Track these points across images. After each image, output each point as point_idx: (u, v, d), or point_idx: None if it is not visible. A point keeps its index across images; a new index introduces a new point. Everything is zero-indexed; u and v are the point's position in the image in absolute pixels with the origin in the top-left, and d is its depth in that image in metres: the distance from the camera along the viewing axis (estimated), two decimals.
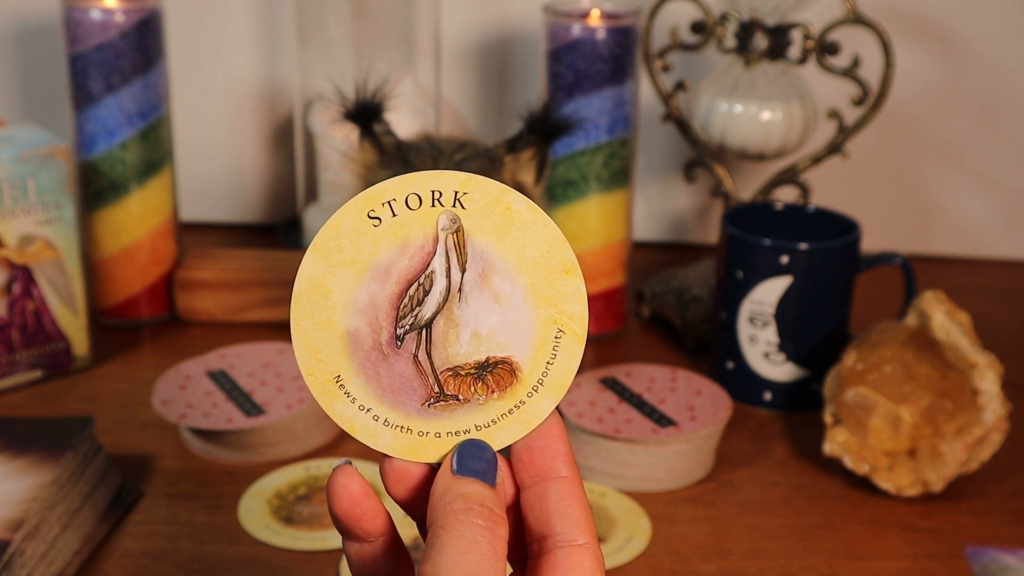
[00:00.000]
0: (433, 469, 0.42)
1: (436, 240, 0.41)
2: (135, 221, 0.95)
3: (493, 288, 0.41)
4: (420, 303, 0.41)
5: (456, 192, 0.41)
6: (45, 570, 0.65)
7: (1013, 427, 0.82)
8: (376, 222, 0.41)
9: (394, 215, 0.41)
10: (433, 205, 0.41)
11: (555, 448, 0.42)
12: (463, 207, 0.41)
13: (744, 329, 0.87)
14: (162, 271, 0.98)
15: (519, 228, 0.41)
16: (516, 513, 0.42)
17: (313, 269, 0.41)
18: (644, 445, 0.76)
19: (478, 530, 0.38)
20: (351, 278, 0.41)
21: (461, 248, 0.41)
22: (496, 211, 0.41)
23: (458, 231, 0.41)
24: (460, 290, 0.41)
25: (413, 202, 0.41)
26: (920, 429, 0.76)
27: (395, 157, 0.78)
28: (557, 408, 0.43)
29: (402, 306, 0.41)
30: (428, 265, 0.41)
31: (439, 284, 0.41)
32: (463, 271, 0.41)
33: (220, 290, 0.97)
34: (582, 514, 0.41)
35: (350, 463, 0.41)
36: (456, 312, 0.41)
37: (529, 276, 0.41)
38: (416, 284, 0.41)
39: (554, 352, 0.42)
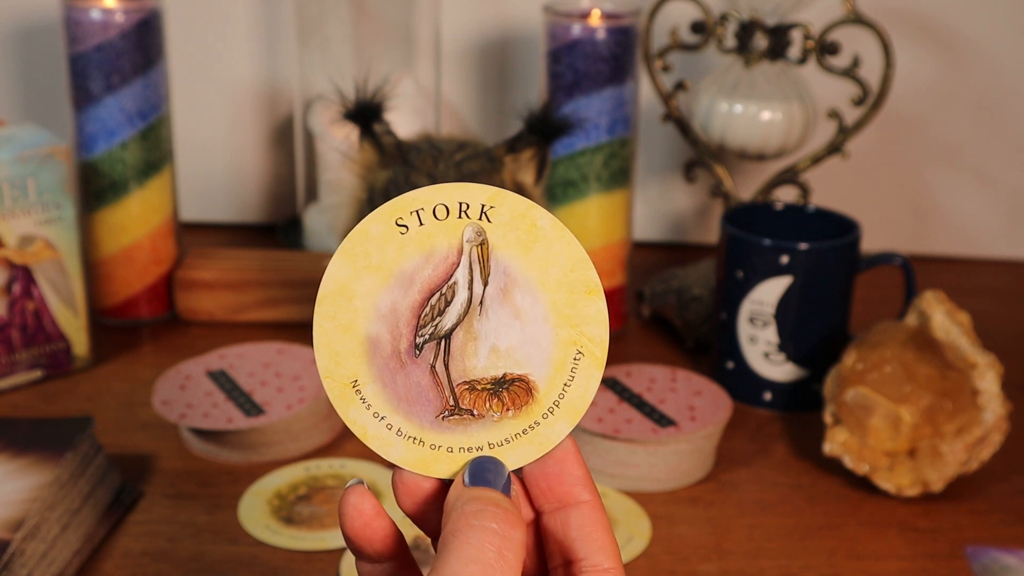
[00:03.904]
0: (444, 484, 0.42)
1: (461, 251, 0.41)
2: (135, 221, 0.95)
3: (514, 304, 0.41)
4: (441, 313, 0.41)
5: (483, 205, 0.41)
6: (45, 570, 0.65)
7: (1013, 427, 0.82)
8: (403, 230, 0.41)
9: (421, 224, 0.41)
10: (460, 217, 0.41)
11: (572, 474, 0.42)
12: (489, 220, 0.41)
13: (744, 329, 0.87)
14: (162, 271, 0.98)
15: (544, 245, 0.41)
16: (536, 537, 0.42)
17: (339, 272, 0.41)
18: (644, 445, 0.76)
19: (488, 536, 0.38)
20: (375, 283, 0.41)
21: (485, 261, 0.41)
22: (521, 227, 0.41)
23: (483, 244, 0.41)
24: (481, 303, 0.41)
25: (440, 212, 0.41)
26: (920, 429, 0.76)
27: (395, 157, 0.78)
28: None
29: (423, 315, 0.41)
30: (451, 276, 0.41)
31: (461, 296, 0.41)
32: (485, 284, 0.41)
33: (220, 290, 0.97)
34: (607, 538, 0.41)
35: (362, 482, 0.41)
36: (476, 325, 0.41)
37: (551, 294, 0.41)
38: (438, 294, 0.41)
39: (572, 374, 0.42)
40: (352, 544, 0.41)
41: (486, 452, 0.42)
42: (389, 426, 0.41)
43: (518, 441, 0.42)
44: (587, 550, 0.41)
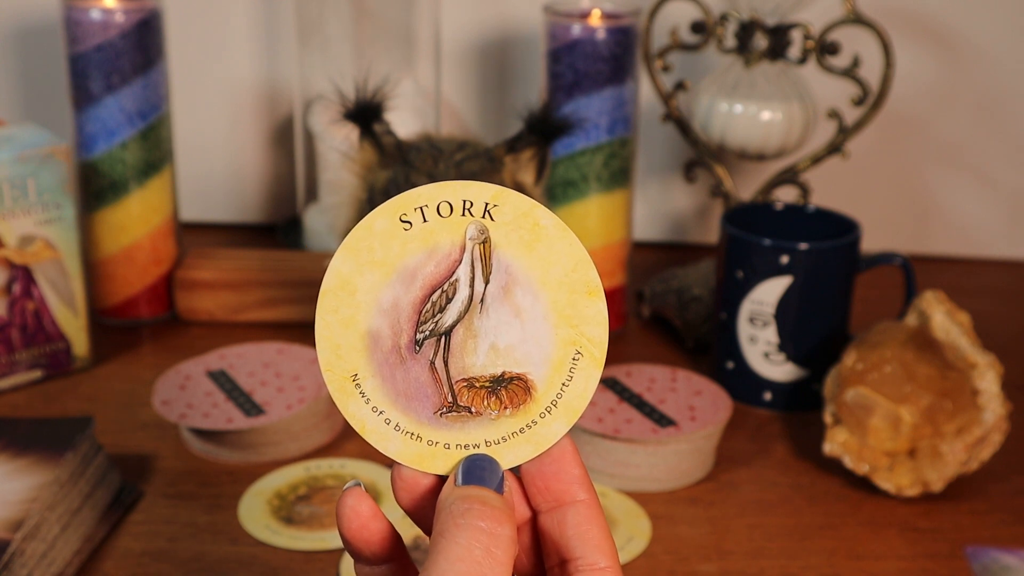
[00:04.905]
0: (442, 481, 0.42)
1: (463, 249, 0.41)
2: (135, 221, 0.95)
3: (515, 302, 0.41)
4: (442, 310, 0.41)
5: (487, 203, 0.41)
6: (45, 570, 0.65)
7: (1013, 427, 0.82)
8: (407, 226, 0.41)
9: (425, 221, 0.41)
10: (463, 214, 0.41)
11: (569, 473, 0.42)
12: (492, 219, 0.41)
13: (744, 329, 0.87)
14: (162, 271, 0.98)
15: (546, 244, 0.41)
16: (534, 537, 0.42)
17: (343, 266, 0.41)
18: (644, 445, 0.76)
19: (475, 534, 0.38)
20: (378, 279, 0.41)
21: (487, 259, 0.41)
22: (524, 226, 0.41)
23: (485, 242, 0.41)
24: (482, 301, 0.41)
25: (444, 210, 0.41)
26: (920, 429, 0.76)
27: (395, 157, 0.78)
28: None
29: (424, 311, 0.41)
30: (453, 273, 0.41)
31: (462, 293, 0.41)
32: (487, 282, 0.41)
33: (220, 290, 0.97)
34: (603, 537, 0.41)
35: (359, 484, 0.41)
36: (476, 323, 0.41)
37: (551, 294, 0.41)
38: (440, 291, 0.41)
39: (570, 374, 0.42)
40: (350, 546, 0.41)
41: (483, 450, 0.42)
42: (387, 421, 0.42)
43: (515, 440, 0.42)
44: (583, 549, 0.41)
